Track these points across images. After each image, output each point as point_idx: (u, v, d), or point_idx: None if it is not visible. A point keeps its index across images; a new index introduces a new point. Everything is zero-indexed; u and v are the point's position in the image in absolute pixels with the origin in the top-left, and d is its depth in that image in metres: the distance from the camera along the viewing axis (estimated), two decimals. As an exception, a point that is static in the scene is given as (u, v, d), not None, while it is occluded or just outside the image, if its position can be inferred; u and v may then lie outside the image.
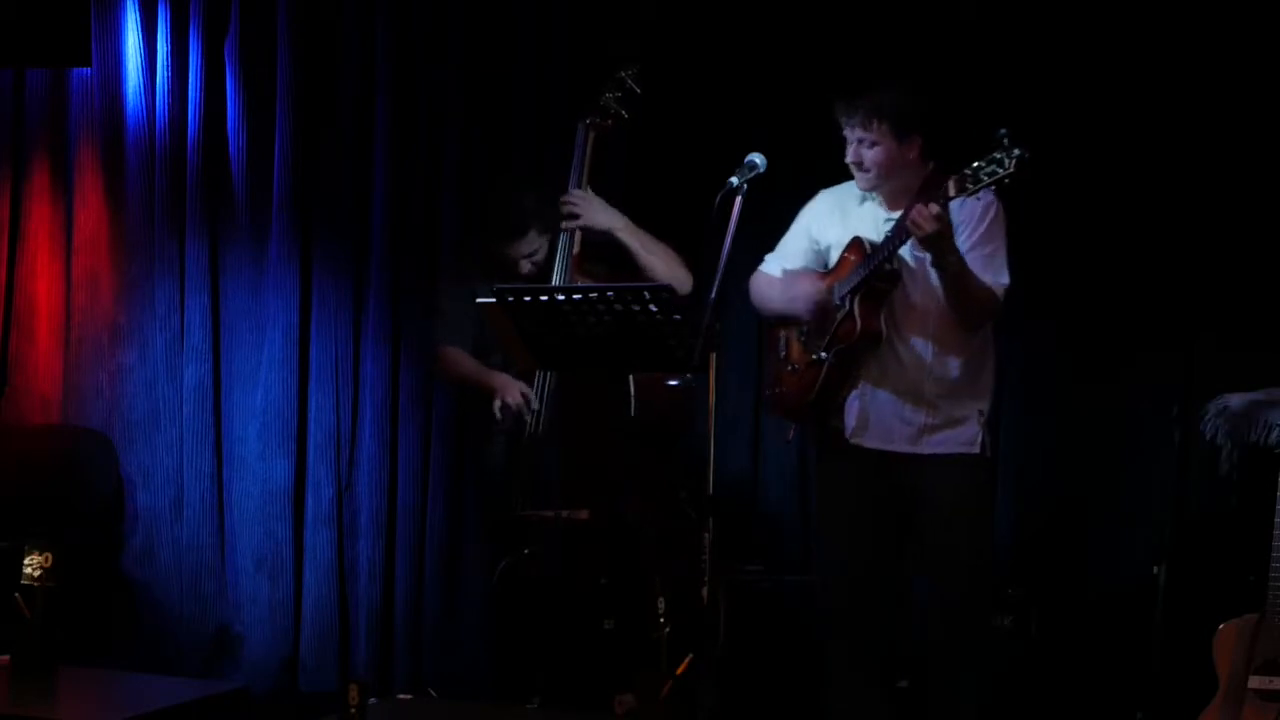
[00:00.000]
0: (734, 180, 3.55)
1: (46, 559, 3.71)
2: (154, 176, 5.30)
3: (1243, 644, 3.63)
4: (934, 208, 3.56)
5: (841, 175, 4.04)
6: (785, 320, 4.04)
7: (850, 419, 3.90)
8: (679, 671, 3.65)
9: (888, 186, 3.87)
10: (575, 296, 3.66)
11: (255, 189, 5.22)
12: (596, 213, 4.31)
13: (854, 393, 3.89)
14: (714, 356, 3.50)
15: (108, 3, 5.30)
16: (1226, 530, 4.21)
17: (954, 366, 3.85)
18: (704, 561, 3.54)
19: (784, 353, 4.04)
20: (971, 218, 3.77)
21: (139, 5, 5.29)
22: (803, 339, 3.98)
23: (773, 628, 4.54)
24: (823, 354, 3.86)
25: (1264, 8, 4.36)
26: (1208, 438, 4.19)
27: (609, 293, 3.64)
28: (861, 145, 3.81)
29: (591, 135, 4.35)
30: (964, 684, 3.87)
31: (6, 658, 3.75)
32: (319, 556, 5.16)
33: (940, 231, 3.58)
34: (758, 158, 3.58)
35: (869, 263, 3.78)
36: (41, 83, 5.42)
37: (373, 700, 3.53)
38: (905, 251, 3.78)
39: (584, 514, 4.15)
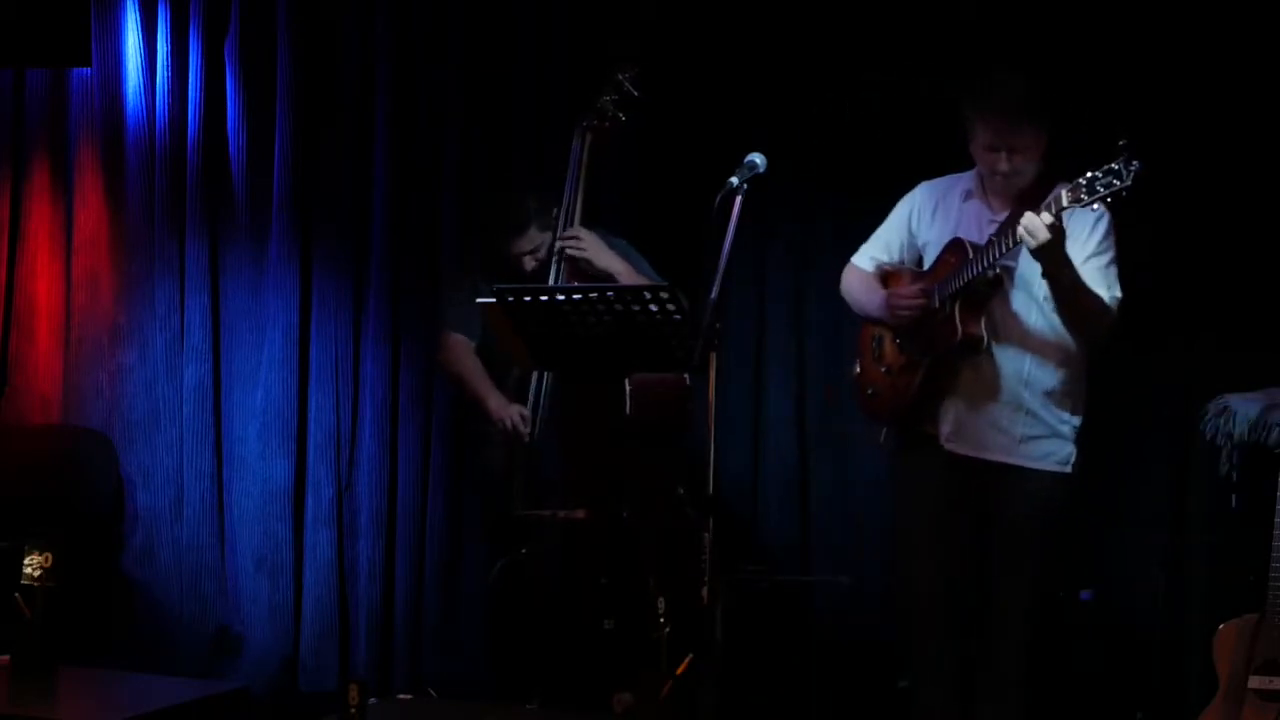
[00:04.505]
0: (734, 180, 3.53)
1: (46, 559, 3.71)
2: (154, 176, 5.30)
3: (1243, 644, 3.63)
4: (1047, 217, 3.45)
5: (842, 174, 4.04)
6: (877, 320, 3.96)
7: (945, 425, 3.82)
8: (679, 671, 3.64)
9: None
10: (575, 296, 3.67)
11: (255, 189, 5.22)
12: (599, 253, 4.31)
13: (950, 398, 3.81)
14: (714, 356, 3.50)
15: (108, 3, 5.30)
16: (1226, 530, 4.21)
17: (1053, 377, 3.77)
18: (704, 561, 3.54)
19: (878, 353, 3.95)
20: (1084, 228, 3.68)
21: (139, 5, 5.29)
22: (898, 342, 3.89)
23: (773, 628, 4.54)
24: (921, 358, 3.79)
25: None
26: (1208, 438, 4.18)
27: (609, 293, 3.64)
28: (1013, 154, 3.65)
29: (589, 138, 4.35)
30: (1012, 695, 3.82)
31: (6, 658, 3.75)
32: (319, 556, 5.16)
33: (1054, 242, 3.48)
34: (758, 158, 3.57)
35: (971, 267, 3.67)
36: (41, 83, 5.42)
37: (373, 700, 3.54)
38: (1010, 257, 3.67)
39: (581, 513, 4.15)
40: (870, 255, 4.03)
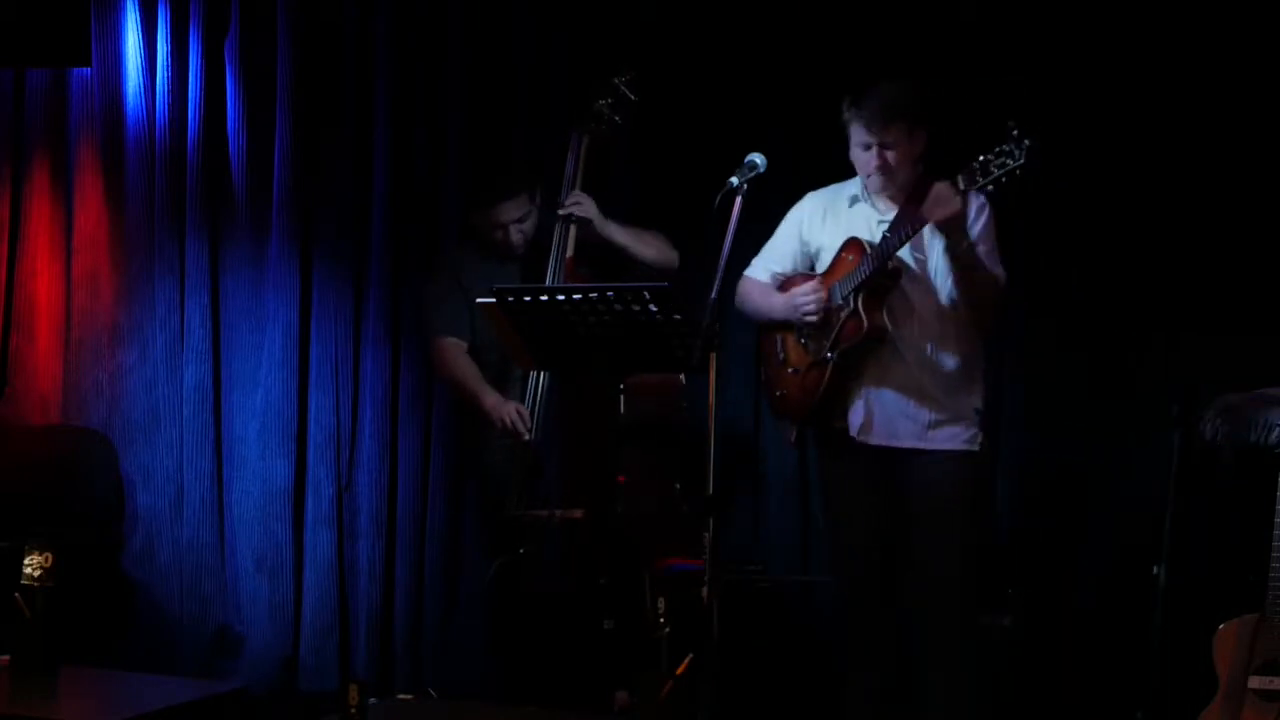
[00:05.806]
0: (734, 180, 3.55)
1: (46, 559, 3.70)
2: (154, 176, 5.30)
3: (1243, 644, 3.63)
4: (954, 190, 3.63)
5: (841, 174, 4.04)
6: (778, 324, 4.06)
7: (856, 418, 3.93)
8: (679, 671, 3.64)
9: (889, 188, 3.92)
10: (575, 296, 3.66)
11: (255, 189, 5.22)
12: (603, 223, 4.32)
13: (858, 392, 3.92)
14: (714, 356, 3.50)
15: (108, 3, 5.30)
16: (1226, 530, 4.21)
17: (952, 363, 3.92)
18: (704, 561, 3.54)
19: (782, 356, 4.05)
20: (967, 219, 3.80)
21: (139, 5, 5.29)
22: (802, 342, 3.99)
23: (772, 628, 4.54)
24: (828, 355, 3.89)
25: (1260, 6, 4.36)
26: (1207, 438, 4.18)
27: (609, 293, 3.64)
28: (884, 149, 3.83)
29: (585, 141, 4.36)
30: (961, 682, 3.89)
31: (6, 658, 3.75)
32: (319, 556, 5.16)
33: (961, 213, 3.66)
34: (758, 158, 3.58)
35: (870, 261, 3.81)
36: (41, 83, 5.42)
37: (373, 700, 3.53)
38: (904, 252, 3.83)
39: (579, 513, 4.15)
40: (763, 266, 4.15)
